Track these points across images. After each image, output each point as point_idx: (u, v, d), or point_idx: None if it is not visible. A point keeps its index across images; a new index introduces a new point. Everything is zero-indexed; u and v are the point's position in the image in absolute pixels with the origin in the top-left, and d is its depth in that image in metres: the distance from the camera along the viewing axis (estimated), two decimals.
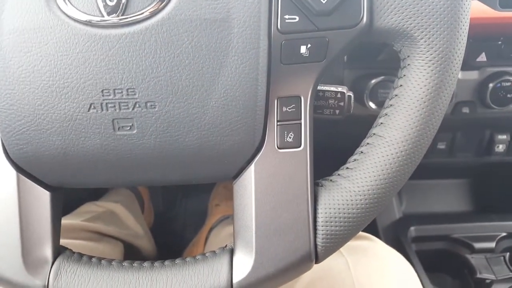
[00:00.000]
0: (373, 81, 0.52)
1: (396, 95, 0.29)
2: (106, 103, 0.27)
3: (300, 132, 0.28)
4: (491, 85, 0.54)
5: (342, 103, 0.33)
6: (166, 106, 0.27)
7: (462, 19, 0.27)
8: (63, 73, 0.26)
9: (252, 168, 0.28)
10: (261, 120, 0.28)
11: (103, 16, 0.26)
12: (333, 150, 0.53)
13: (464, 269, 0.75)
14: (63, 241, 0.31)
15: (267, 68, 0.27)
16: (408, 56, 0.28)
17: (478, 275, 0.71)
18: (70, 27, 0.26)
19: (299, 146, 0.28)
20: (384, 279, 0.43)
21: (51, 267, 0.29)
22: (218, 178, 0.30)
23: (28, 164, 0.28)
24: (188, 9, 0.26)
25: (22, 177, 0.29)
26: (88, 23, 0.26)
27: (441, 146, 0.70)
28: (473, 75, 0.55)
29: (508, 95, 0.55)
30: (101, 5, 0.26)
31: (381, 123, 0.29)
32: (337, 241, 0.29)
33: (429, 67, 0.27)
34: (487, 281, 0.70)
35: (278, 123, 0.28)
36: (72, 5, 0.26)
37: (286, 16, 0.27)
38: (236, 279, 0.29)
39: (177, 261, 0.30)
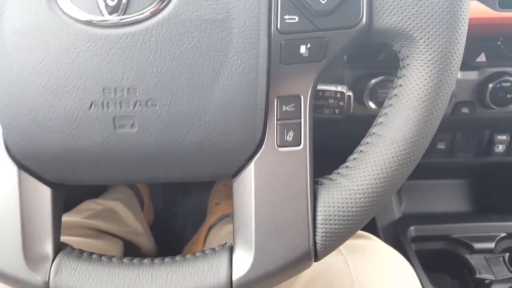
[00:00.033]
0: (373, 81, 0.52)
1: (395, 95, 0.29)
2: (107, 102, 0.27)
3: (300, 131, 0.29)
4: (490, 85, 0.55)
5: (341, 103, 0.33)
6: (167, 105, 0.27)
7: (461, 19, 0.27)
8: (64, 72, 0.26)
9: (252, 166, 0.29)
10: (261, 119, 0.28)
11: (103, 16, 0.26)
12: (332, 149, 0.53)
13: (463, 269, 0.75)
14: (62, 238, 0.32)
15: (266, 67, 0.27)
16: (407, 56, 0.28)
17: (478, 275, 0.71)
18: (71, 26, 0.26)
19: (299, 145, 0.29)
20: (383, 278, 0.44)
21: (52, 263, 0.29)
22: (218, 176, 0.31)
23: (30, 160, 0.29)
24: (189, 9, 0.26)
25: (24, 174, 0.29)
26: (89, 23, 0.26)
27: (441, 146, 0.70)
28: (473, 75, 0.55)
29: (508, 96, 0.55)
30: (102, 5, 0.26)
31: (381, 122, 0.29)
32: (336, 239, 0.29)
33: (428, 67, 0.27)
34: (487, 281, 0.70)
35: (278, 122, 0.28)
36: (73, 4, 0.26)
37: (286, 16, 0.27)
38: (235, 276, 0.29)
39: (177, 258, 0.30)
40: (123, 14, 0.26)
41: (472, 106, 0.57)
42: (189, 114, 0.27)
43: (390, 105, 0.29)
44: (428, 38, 0.27)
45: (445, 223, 0.81)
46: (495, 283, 0.70)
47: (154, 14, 0.26)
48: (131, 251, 0.67)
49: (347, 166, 0.30)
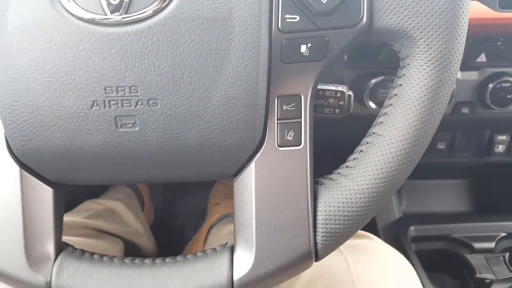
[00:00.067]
0: (373, 80, 0.52)
1: (395, 95, 0.29)
2: (109, 100, 0.27)
3: (300, 130, 0.29)
4: (490, 85, 0.55)
5: (342, 102, 0.33)
6: (168, 104, 0.27)
7: (461, 19, 0.27)
8: (67, 70, 0.27)
9: (252, 165, 0.29)
10: (261, 118, 0.28)
11: (106, 15, 0.26)
12: (333, 148, 0.53)
13: (463, 269, 0.75)
14: (63, 238, 0.32)
15: (267, 67, 0.27)
16: (408, 56, 0.28)
17: (478, 275, 0.71)
18: (73, 25, 0.26)
19: (299, 145, 0.29)
20: (384, 277, 0.44)
21: (54, 264, 0.29)
22: (219, 176, 0.31)
23: (31, 160, 0.29)
24: (190, 8, 0.26)
25: (25, 173, 0.29)
26: (91, 21, 0.26)
27: (441, 146, 0.70)
28: (473, 75, 0.55)
29: (508, 96, 0.55)
30: (104, 3, 0.26)
31: (381, 122, 0.30)
32: (336, 239, 0.30)
33: (428, 67, 0.28)
34: (487, 281, 0.71)
35: (278, 122, 0.28)
36: (75, 3, 0.26)
37: (287, 16, 0.27)
38: (236, 276, 0.29)
39: (178, 258, 0.30)
40: (125, 13, 0.26)
41: (472, 106, 0.57)
42: (190, 113, 0.27)
43: (390, 104, 0.29)
44: (428, 38, 0.27)
45: (445, 223, 0.81)
46: (495, 282, 0.70)
47: (156, 12, 0.26)
48: (132, 251, 0.67)
49: (347, 166, 0.30)
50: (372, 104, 0.53)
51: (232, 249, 0.30)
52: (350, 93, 0.33)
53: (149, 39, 0.26)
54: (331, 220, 0.29)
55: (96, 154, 0.28)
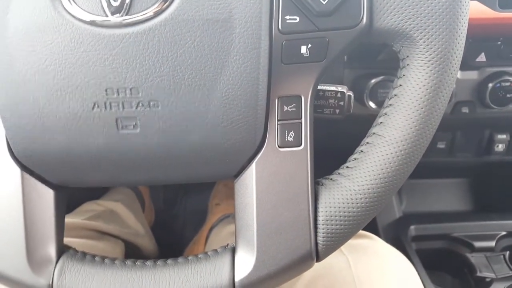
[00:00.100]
0: (373, 80, 0.52)
1: (395, 95, 0.29)
2: (110, 102, 0.27)
3: (301, 131, 0.29)
4: (490, 85, 0.55)
5: (342, 103, 0.33)
6: (169, 105, 0.27)
7: (460, 20, 0.27)
8: (68, 72, 0.27)
9: (253, 166, 0.29)
10: (262, 119, 0.28)
11: (107, 16, 0.26)
12: (333, 149, 0.53)
13: (464, 267, 0.75)
14: (63, 240, 0.32)
15: (268, 68, 0.27)
16: (408, 56, 0.28)
17: (478, 274, 0.72)
18: (74, 26, 0.26)
19: (300, 145, 0.29)
20: (385, 277, 0.44)
21: (55, 266, 0.29)
22: (220, 177, 0.31)
23: (33, 162, 0.29)
24: (191, 9, 0.26)
25: (27, 176, 0.29)
26: (92, 23, 0.26)
27: (441, 145, 0.70)
28: (473, 75, 0.55)
29: (508, 95, 0.55)
30: (105, 5, 0.26)
31: (381, 122, 0.30)
32: (337, 240, 0.30)
33: (428, 67, 0.28)
34: (487, 279, 0.71)
35: (279, 122, 0.28)
36: (76, 5, 0.26)
37: (287, 17, 0.27)
38: (238, 277, 0.29)
39: (180, 260, 0.30)
40: (126, 14, 0.26)
41: (472, 106, 0.57)
42: (191, 115, 0.27)
43: (390, 105, 0.29)
44: (428, 39, 0.27)
45: (445, 222, 0.81)
46: (495, 281, 0.70)
47: (157, 14, 0.26)
48: (132, 252, 0.67)
49: (347, 167, 0.30)
50: (372, 104, 0.53)
51: (233, 251, 0.30)
52: (350, 93, 0.33)
53: (150, 41, 0.26)
54: (332, 220, 0.29)
55: (97, 156, 0.28)
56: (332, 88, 0.33)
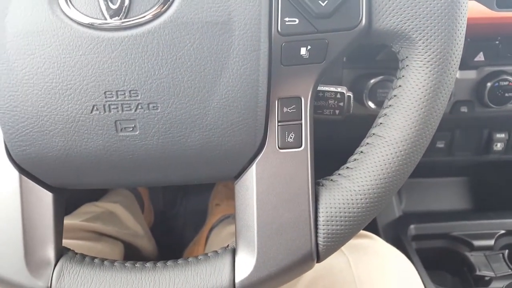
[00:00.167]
0: (372, 81, 0.52)
1: (395, 96, 0.29)
2: (109, 105, 0.27)
3: (301, 132, 0.29)
4: (489, 84, 0.55)
5: (341, 103, 0.33)
6: (168, 108, 0.27)
7: (459, 20, 0.27)
8: (66, 75, 0.26)
9: (253, 168, 0.29)
10: (262, 120, 0.28)
11: (105, 19, 0.26)
12: (333, 150, 0.53)
13: (463, 266, 0.75)
14: (62, 242, 0.32)
15: (267, 69, 0.27)
16: (407, 57, 0.28)
17: (478, 272, 0.72)
18: (73, 29, 0.26)
19: (300, 146, 0.29)
20: (385, 277, 0.44)
21: (54, 269, 0.29)
22: (220, 178, 0.31)
23: (31, 165, 0.28)
24: (190, 12, 0.26)
25: (25, 178, 0.29)
26: (90, 26, 0.26)
27: (440, 145, 0.70)
28: (471, 74, 0.56)
29: (506, 94, 0.55)
30: (103, 8, 0.26)
31: (381, 123, 0.30)
32: (338, 240, 0.30)
33: (427, 68, 0.28)
34: (487, 278, 0.71)
35: (279, 124, 0.28)
36: (75, 8, 0.26)
37: (286, 19, 0.27)
38: (238, 278, 0.29)
39: (180, 261, 0.30)
40: (125, 17, 0.26)
41: (471, 105, 0.57)
42: (190, 117, 0.27)
43: (390, 105, 0.29)
44: (427, 39, 0.27)
45: (445, 221, 0.81)
46: (495, 279, 0.70)
47: (156, 17, 0.26)
48: (132, 253, 0.67)
49: (348, 167, 0.30)
50: (371, 104, 0.53)
51: (233, 252, 0.30)
52: (350, 94, 0.33)
53: (149, 43, 0.26)
54: (332, 221, 0.29)
55: (96, 159, 0.28)
56: (332, 89, 0.33)
